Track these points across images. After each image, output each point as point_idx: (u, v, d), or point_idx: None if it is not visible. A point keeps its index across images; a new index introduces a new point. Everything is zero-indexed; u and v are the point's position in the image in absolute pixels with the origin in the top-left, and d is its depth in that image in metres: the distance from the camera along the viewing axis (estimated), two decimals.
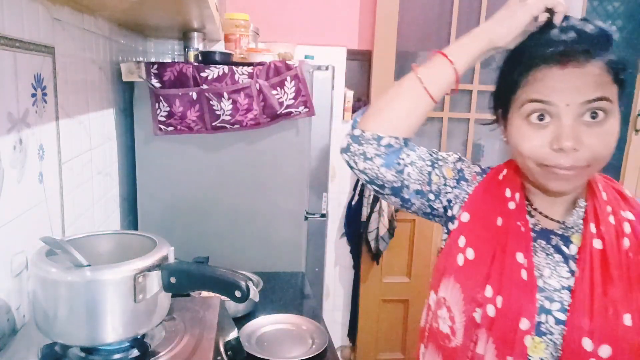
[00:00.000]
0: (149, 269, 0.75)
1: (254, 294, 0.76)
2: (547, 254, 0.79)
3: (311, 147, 1.66)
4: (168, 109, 1.50)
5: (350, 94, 2.40)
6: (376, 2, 2.29)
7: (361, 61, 2.49)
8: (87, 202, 1.25)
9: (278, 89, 1.53)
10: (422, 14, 2.42)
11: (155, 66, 1.49)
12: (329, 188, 1.89)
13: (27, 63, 0.90)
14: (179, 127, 1.53)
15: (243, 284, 0.75)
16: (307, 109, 1.56)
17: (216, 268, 0.78)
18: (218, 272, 0.77)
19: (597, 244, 0.76)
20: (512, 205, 0.82)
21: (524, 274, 0.77)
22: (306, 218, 1.67)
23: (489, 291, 0.78)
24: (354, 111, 2.45)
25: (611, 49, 0.74)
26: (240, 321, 1.24)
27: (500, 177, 0.87)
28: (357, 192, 2.47)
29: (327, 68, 1.67)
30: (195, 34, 1.81)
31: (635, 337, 0.71)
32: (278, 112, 1.54)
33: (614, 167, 2.75)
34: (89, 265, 0.73)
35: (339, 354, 2.65)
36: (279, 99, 1.53)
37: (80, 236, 0.87)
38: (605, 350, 0.71)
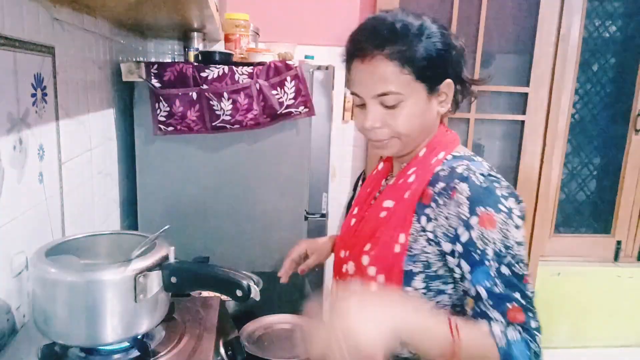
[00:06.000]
0: (150, 269, 0.75)
1: (255, 293, 0.76)
2: None
3: (311, 147, 1.66)
4: (168, 109, 1.50)
5: None
6: (376, 2, 2.29)
7: None
8: (87, 202, 1.25)
9: (278, 89, 1.53)
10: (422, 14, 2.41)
11: (155, 66, 1.49)
12: (329, 188, 1.89)
13: (27, 63, 0.90)
14: (179, 127, 1.53)
15: (244, 283, 0.75)
16: (307, 109, 1.56)
17: (217, 267, 0.78)
18: (219, 272, 0.77)
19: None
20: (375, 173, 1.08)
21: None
22: (306, 218, 1.67)
23: None
24: (353, 111, 2.45)
25: (400, 41, 0.87)
26: (240, 321, 1.23)
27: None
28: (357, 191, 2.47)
29: (327, 68, 1.67)
30: (195, 34, 1.81)
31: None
32: (278, 112, 1.54)
33: (614, 167, 2.74)
34: (88, 265, 0.73)
35: None
36: (279, 99, 1.53)
37: (80, 236, 0.87)
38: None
